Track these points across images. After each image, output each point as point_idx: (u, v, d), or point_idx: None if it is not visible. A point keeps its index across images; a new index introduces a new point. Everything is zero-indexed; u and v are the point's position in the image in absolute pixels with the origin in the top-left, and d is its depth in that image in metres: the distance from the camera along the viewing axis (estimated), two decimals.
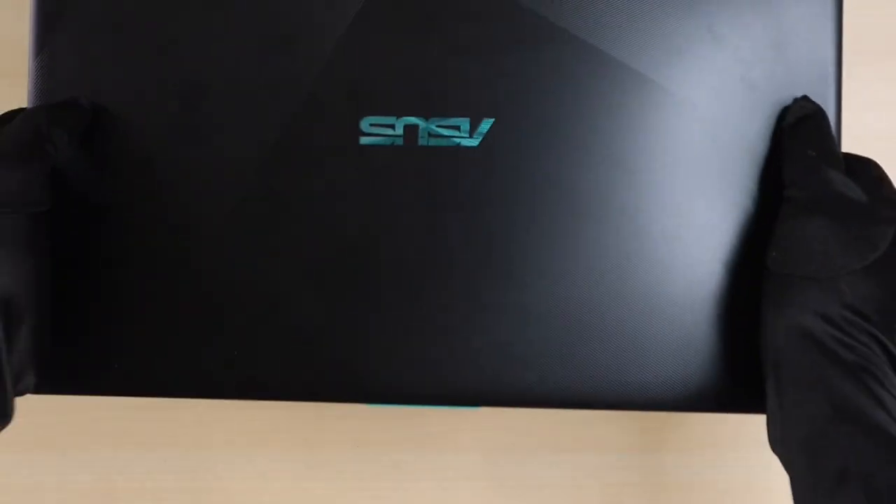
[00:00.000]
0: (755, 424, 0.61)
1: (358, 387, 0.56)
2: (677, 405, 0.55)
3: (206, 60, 0.56)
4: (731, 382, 0.55)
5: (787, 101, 0.54)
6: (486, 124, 0.55)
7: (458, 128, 0.55)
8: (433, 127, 0.55)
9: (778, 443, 0.50)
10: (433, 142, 0.55)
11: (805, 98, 0.53)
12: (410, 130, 0.55)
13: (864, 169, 0.53)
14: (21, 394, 0.53)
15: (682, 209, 0.55)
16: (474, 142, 0.55)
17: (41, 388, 0.56)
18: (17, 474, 0.67)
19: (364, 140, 0.55)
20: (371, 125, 0.55)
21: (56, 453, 0.68)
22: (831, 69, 0.54)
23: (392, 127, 0.55)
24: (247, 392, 0.56)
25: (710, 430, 0.65)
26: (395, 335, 0.55)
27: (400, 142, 0.55)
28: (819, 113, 0.53)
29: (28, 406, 0.63)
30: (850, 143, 0.61)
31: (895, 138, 0.65)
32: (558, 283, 0.55)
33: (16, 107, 0.62)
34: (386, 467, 0.67)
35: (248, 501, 0.67)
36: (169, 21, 0.56)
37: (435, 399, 0.56)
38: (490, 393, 0.55)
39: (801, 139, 0.52)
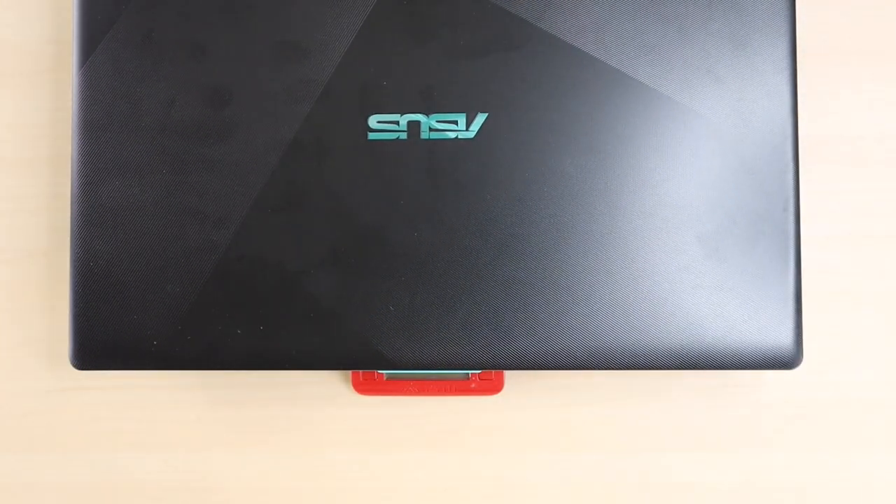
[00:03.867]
0: (755, 424, 0.64)
1: (372, 356, 0.59)
2: (660, 364, 0.58)
3: (231, 67, 0.60)
4: (706, 344, 0.58)
5: (749, 91, 0.58)
6: (480, 118, 0.59)
7: (455, 122, 0.59)
8: (433, 122, 0.59)
9: None
10: (434, 135, 0.59)
11: None
12: (413, 126, 0.59)
13: None
14: None
15: (657, 189, 0.58)
16: (470, 134, 0.59)
17: (85, 366, 0.60)
18: (17, 474, 0.66)
19: (372, 136, 0.59)
20: (378, 122, 0.59)
21: (56, 453, 0.66)
22: (787, 63, 0.58)
23: (397, 123, 0.59)
24: (272, 363, 0.59)
25: (710, 430, 0.64)
26: (404, 307, 0.59)
27: (404, 136, 0.59)
28: None
29: (29, 405, 0.66)
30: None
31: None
32: (548, 256, 0.58)
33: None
34: (386, 467, 0.65)
35: (248, 501, 0.66)
36: (196, 33, 0.60)
37: (441, 365, 0.59)
38: (490, 358, 0.59)
39: None
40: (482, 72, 0.59)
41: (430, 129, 0.59)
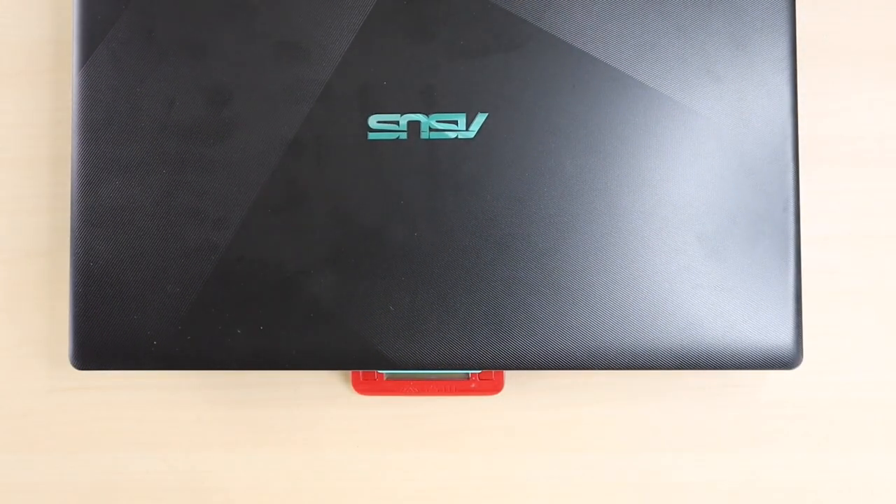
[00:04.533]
0: (755, 424, 0.64)
1: (372, 356, 0.59)
2: (660, 364, 0.58)
3: (231, 67, 0.60)
4: (706, 344, 0.58)
5: (749, 91, 0.58)
6: (480, 118, 0.59)
7: (455, 122, 0.59)
8: (433, 122, 0.59)
9: None
10: (434, 135, 0.59)
11: None
12: (413, 126, 0.59)
13: None
14: None
15: (657, 189, 0.59)
16: (470, 134, 0.59)
17: (85, 366, 0.60)
18: (17, 474, 0.66)
19: (372, 136, 0.59)
20: (378, 122, 0.59)
21: (56, 453, 0.66)
22: (787, 63, 0.59)
23: (397, 123, 0.59)
24: (271, 363, 0.59)
25: (710, 430, 0.64)
26: (404, 307, 0.59)
27: (404, 136, 0.59)
28: None
29: (29, 405, 0.66)
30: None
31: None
32: (548, 257, 0.58)
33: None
34: (386, 467, 0.65)
35: (248, 501, 0.65)
36: (196, 33, 0.60)
37: (441, 365, 0.59)
38: (490, 358, 0.59)
39: None
40: (482, 72, 0.59)
41: (430, 129, 0.59)
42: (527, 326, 0.58)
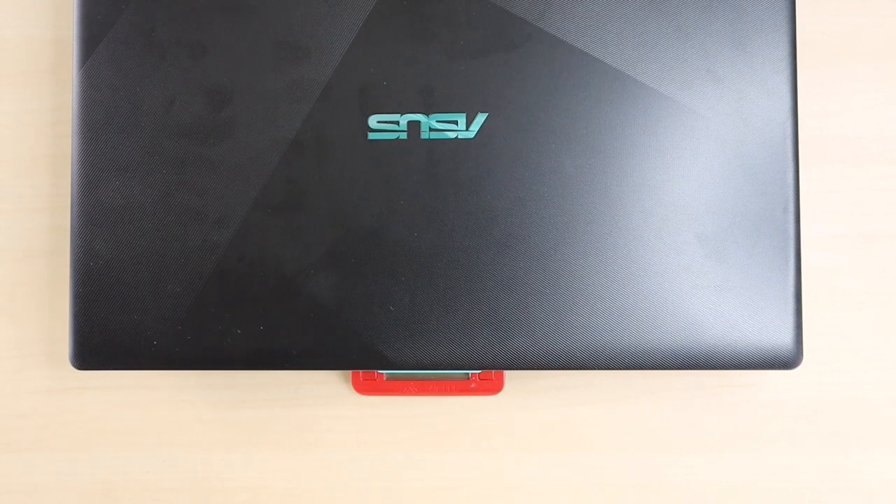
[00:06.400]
0: (755, 424, 0.64)
1: (372, 356, 0.59)
2: (660, 364, 0.58)
3: (231, 67, 0.60)
4: (706, 344, 0.58)
5: (749, 91, 0.58)
6: (480, 118, 0.59)
7: (455, 122, 0.59)
8: (434, 122, 0.59)
9: None
10: (434, 135, 0.59)
11: None
12: (413, 126, 0.59)
13: None
14: None
15: (657, 189, 0.59)
16: (470, 134, 0.59)
17: (85, 366, 0.59)
18: (17, 474, 0.66)
19: (372, 135, 0.59)
20: (378, 122, 0.59)
21: (56, 453, 0.66)
22: (787, 63, 0.59)
23: (397, 123, 0.59)
24: (272, 363, 0.59)
25: (710, 429, 0.65)
26: (404, 307, 0.59)
27: (404, 136, 0.59)
28: None
29: (28, 406, 0.66)
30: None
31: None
32: (548, 257, 0.58)
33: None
34: (386, 467, 0.66)
35: (248, 501, 0.66)
36: (196, 33, 0.60)
37: (441, 365, 0.59)
38: (490, 358, 0.59)
39: None
40: (482, 72, 0.59)
41: (430, 129, 0.59)
42: (527, 326, 0.58)
